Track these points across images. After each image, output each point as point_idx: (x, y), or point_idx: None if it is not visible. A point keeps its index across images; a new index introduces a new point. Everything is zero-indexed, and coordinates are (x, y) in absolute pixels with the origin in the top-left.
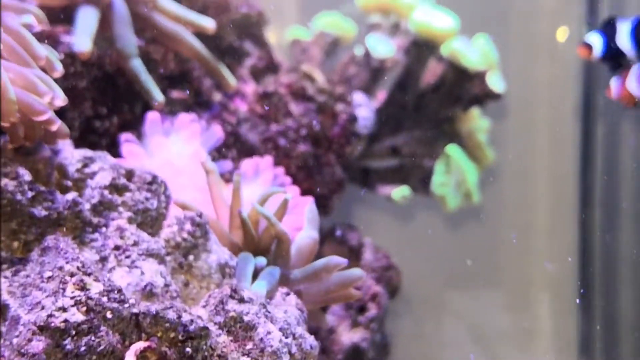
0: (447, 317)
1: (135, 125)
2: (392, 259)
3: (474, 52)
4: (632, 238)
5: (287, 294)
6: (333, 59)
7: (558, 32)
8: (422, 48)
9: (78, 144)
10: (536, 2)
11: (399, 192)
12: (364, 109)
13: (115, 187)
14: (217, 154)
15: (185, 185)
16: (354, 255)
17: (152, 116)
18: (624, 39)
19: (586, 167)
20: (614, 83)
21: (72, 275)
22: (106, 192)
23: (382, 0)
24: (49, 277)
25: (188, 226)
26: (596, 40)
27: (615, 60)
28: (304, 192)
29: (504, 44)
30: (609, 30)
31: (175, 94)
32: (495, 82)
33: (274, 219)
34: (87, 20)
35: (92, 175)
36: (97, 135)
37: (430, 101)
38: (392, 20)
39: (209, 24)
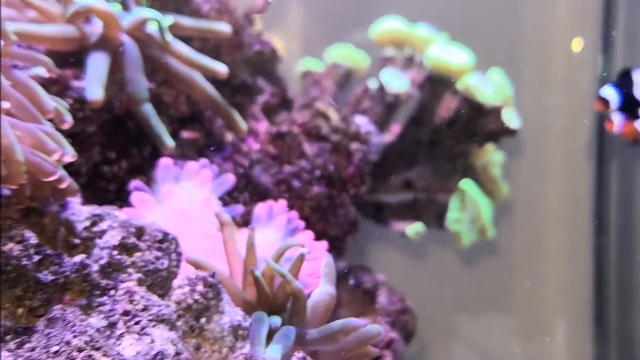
0: (458, 344)
1: (144, 169)
2: (407, 302)
3: (489, 87)
4: None
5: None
6: (346, 90)
7: (573, 42)
8: (437, 83)
9: (86, 189)
10: (549, 35)
11: (413, 228)
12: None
13: (124, 247)
14: (229, 197)
15: (197, 234)
16: (368, 299)
17: (164, 162)
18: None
19: (601, 193)
20: (617, 118)
21: (80, 350)
22: (115, 252)
23: (397, 33)
24: (56, 352)
25: (200, 287)
26: (611, 93)
27: (632, 110)
28: (318, 234)
29: (518, 75)
30: (624, 81)
31: (186, 134)
32: (510, 118)
33: (289, 276)
34: (97, 66)
35: (101, 234)
36: (105, 180)
37: (445, 137)
38: (406, 53)
39: (221, 69)
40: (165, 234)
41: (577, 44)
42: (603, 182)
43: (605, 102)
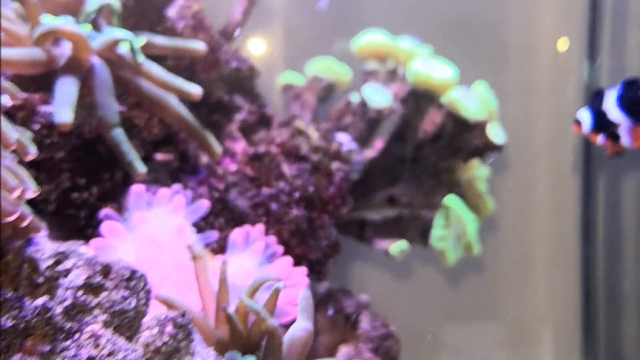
0: (446, 357)
1: (116, 195)
2: (390, 327)
3: (473, 101)
4: (635, 275)
5: None
6: (328, 104)
7: (559, 42)
8: (420, 98)
9: (55, 217)
10: (535, 43)
11: (397, 246)
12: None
13: (90, 287)
14: (204, 222)
15: (170, 264)
16: (349, 325)
17: (136, 189)
18: (612, 109)
19: (588, 203)
20: (596, 138)
21: None
22: (80, 293)
23: (379, 46)
24: None
25: (169, 329)
26: (585, 116)
27: (608, 130)
28: (298, 259)
29: (503, 86)
30: (597, 103)
31: (160, 157)
32: (496, 133)
33: (263, 313)
34: (66, 89)
35: (66, 273)
36: (75, 207)
37: (429, 152)
38: (388, 66)
39: (195, 90)
40: (133, 272)
41: (562, 44)
42: (590, 193)
43: (579, 124)
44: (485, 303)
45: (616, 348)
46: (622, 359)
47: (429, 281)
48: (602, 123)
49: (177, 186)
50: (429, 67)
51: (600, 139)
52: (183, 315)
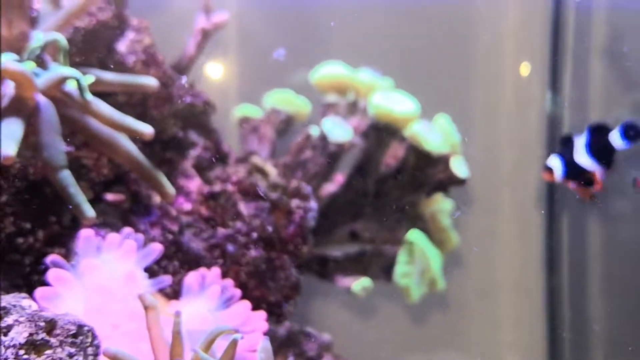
0: None
1: (63, 239)
2: None
3: (435, 135)
4: (601, 303)
5: None
6: (286, 137)
7: (521, 69)
8: (382, 131)
9: None
10: (498, 82)
11: (359, 283)
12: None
13: (33, 345)
14: (157, 266)
15: (121, 312)
16: None
17: (84, 233)
18: (582, 155)
19: (552, 234)
20: (568, 184)
21: None
22: (22, 352)
23: (338, 78)
24: None
25: None
26: (556, 163)
27: (578, 176)
28: (256, 301)
29: (465, 117)
30: (567, 149)
31: (110, 197)
32: (458, 167)
33: None
34: (11, 127)
35: (7, 330)
36: (20, 253)
37: (391, 186)
38: (349, 99)
39: (146, 130)
40: (80, 326)
41: (525, 73)
42: (554, 223)
43: (551, 171)
44: (450, 335)
45: None
46: None
47: (393, 316)
48: (573, 170)
49: (128, 229)
50: (390, 101)
51: (572, 184)
52: None
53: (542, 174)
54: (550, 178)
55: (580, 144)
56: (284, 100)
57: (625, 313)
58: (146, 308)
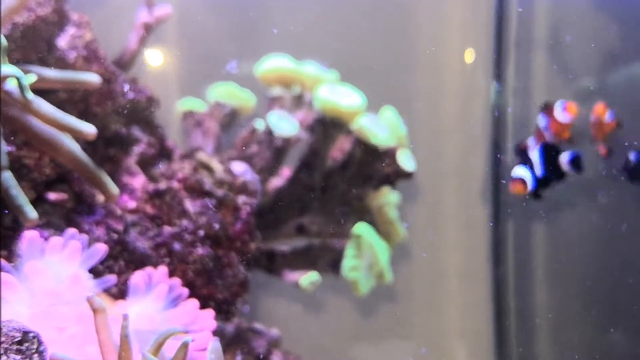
0: None
1: (5, 241)
2: None
3: (382, 129)
4: (545, 293)
5: None
6: (231, 131)
7: (466, 56)
8: (328, 125)
9: None
10: (442, 78)
11: (307, 278)
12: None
13: None
14: (103, 266)
15: (65, 315)
16: None
17: (28, 235)
18: (538, 169)
19: (498, 224)
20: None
21: None
22: None
23: (284, 72)
24: None
25: None
26: (526, 174)
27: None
28: (204, 299)
29: (411, 109)
30: (525, 159)
31: (53, 197)
32: (405, 161)
33: None
34: None
35: None
36: None
37: (338, 180)
38: (294, 92)
39: (88, 129)
40: (25, 333)
41: (470, 62)
42: (499, 213)
43: (521, 182)
44: (398, 324)
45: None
46: None
47: (341, 309)
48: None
49: (72, 230)
50: (336, 94)
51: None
52: None
53: (511, 185)
54: (522, 189)
55: (534, 158)
56: (228, 93)
57: (568, 301)
58: (94, 311)
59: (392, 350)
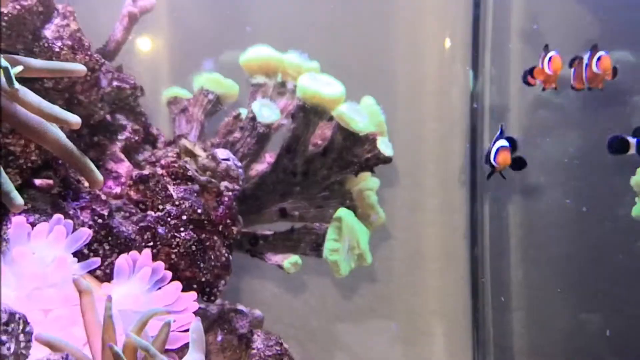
0: (341, 354)
1: None
2: (284, 344)
3: (362, 116)
4: (521, 273)
5: None
6: (215, 118)
7: (444, 44)
8: (309, 112)
9: None
10: (421, 67)
11: (290, 261)
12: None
13: None
14: (88, 250)
15: (54, 298)
16: (243, 345)
17: (16, 220)
18: None
19: (474, 207)
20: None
21: None
22: None
23: (267, 61)
24: None
25: None
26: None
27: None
28: (188, 281)
29: (390, 96)
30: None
31: (39, 182)
32: (384, 147)
33: (152, 350)
34: None
35: None
36: None
37: (319, 166)
38: (277, 80)
39: (73, 119)
40: (12, 314)
41: (448, 51)
42: (476, 197)
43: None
44: (378, 304)
45: (503, 338)
46: (509, 347)
47: (323, 289)
48: None
49: (57, 216)
50: (318, 83)
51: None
52: (66, 358)
53: (500, 156)
54: (507, 158)
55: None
56: (212, 81)
57: (542, 281)
58: (80, 292)
59: (371, 329)
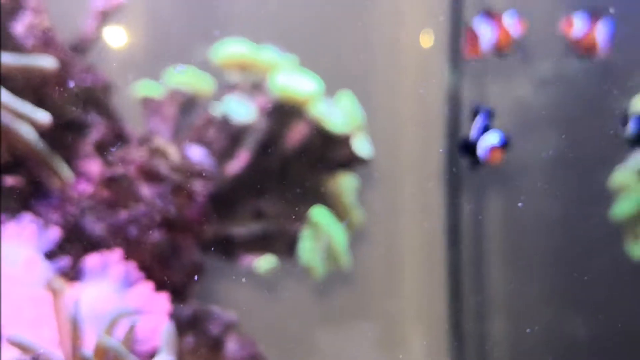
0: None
1: None
2: (257, 347)
3: (338, 115)
4: (500, 274)
5: None
6: (189, 116)
7: (422, 39)
8: (285, 111)
9: None
10: (400, 66)
11: (264, 262)
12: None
13: None
14: (59, 250)
15: (24, 298)
16: (215, 347)
17: None
18: None
19: (453, 210)
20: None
21: None
22: None
23: (241, 57)
24: None
25: None
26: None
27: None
28: (160, 282)
29: (367, 93)
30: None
31: (9, 181)
32: (362, 147)
33: (121, 349)
34: None
35: None
36: None
37: (295, 165)
38: (252, 78)
39: (43, 118)
40: None
41: (426, 45)
42: (455, 199)
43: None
44: (356, 306)
45: (482, 343)
46: (488, 352)
47: (299, 292)
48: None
49: (27, 215)
50: (294, 81)
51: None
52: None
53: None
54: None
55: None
56: (186, 77)
57: (522, 284)
58: (54, 293)
59: (347, 332)
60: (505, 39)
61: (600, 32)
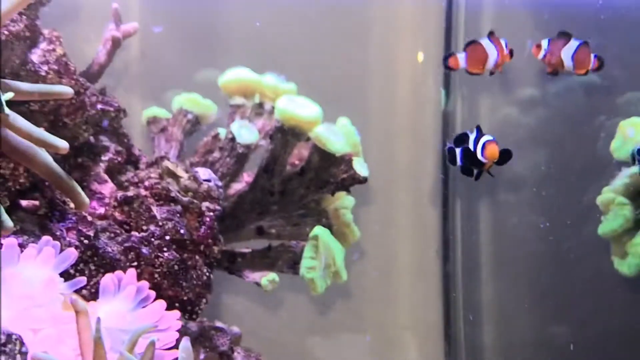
0: None
1: None
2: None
3: (338, 137)
4: (492, 287)
5: None
6: (193, 138)
7: (417, 62)
8: (286, 134)
9: None
10: (394, 86)
11: (267, 278)
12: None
13: None
14: (74, 270)
15: (44, 317)
16: None
17: (8, 242)
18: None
19: (447, 225)
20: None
21: None
22: None
23: (245, 82)
24: None
25: None
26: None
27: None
28: (170, 300)
29: (364, 121)
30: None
31: (26, 203)
32: (360, 167)
33: None
34: None
35: None
36: None
37: (296, 185)
38: (254, 101)
39: (61, 144)
40: (9, 335)
41: (421, 70)
42: (448, 215)
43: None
44: (352, 319)
45: (474, 352)
46: None
47: (298, 305)
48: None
49: (46, 238)
50: (295, 105)
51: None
52: None
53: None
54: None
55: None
56: (191, 101)
57: (513, 295)
58: (77, 313)
59: (344, 343)
60: (503, 59)
61: (566, 52)
